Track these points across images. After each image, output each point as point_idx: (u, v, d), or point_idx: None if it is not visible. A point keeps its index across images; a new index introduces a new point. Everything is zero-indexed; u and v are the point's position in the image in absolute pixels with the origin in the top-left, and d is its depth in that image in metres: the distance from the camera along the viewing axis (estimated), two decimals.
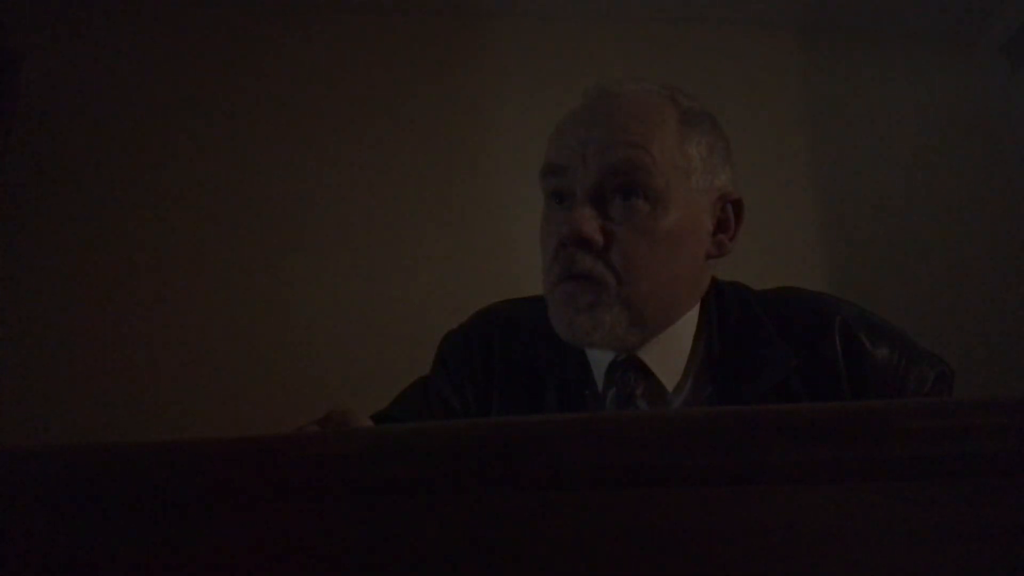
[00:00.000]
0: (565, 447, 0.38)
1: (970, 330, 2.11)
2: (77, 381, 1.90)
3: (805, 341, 0.79)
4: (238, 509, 0.39)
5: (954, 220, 2.30)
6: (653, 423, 0.39)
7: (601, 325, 0.77)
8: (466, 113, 2.26)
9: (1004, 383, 2.03)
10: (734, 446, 0.37)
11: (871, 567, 0.36)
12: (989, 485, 0.37)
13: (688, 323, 0.82)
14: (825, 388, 0.76)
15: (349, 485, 0.38)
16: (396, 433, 0.41)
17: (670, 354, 0.81)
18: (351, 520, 0.38)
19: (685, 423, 0.39)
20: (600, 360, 0.83)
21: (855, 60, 2.41)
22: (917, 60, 2.43)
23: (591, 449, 0.38)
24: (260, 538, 0.38)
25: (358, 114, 2.22)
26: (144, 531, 0.38)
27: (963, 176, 2.34)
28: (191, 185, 2.12)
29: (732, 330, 0.82)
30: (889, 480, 0.37)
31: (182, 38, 2.20)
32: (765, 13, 2.35)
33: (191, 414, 1.88)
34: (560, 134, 0.83)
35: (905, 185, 2.32)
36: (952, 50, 2.44)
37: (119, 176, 2.09)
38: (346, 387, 1.87)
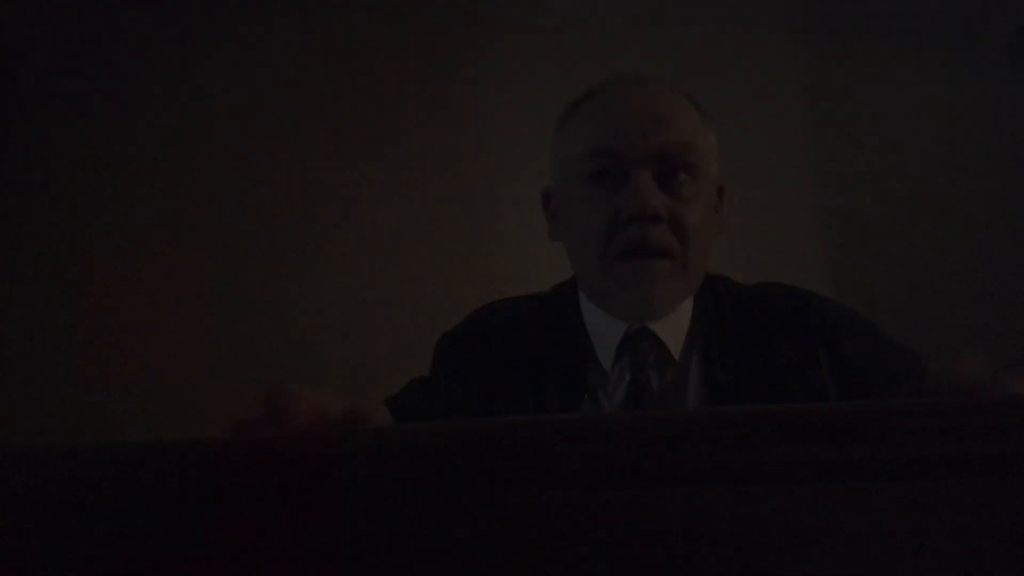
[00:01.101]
0: (565, 447, 0.38)
1: (970, 329, 2.11)
2: (77, 381, 1.90)
3: (784, 331, 0.84)
4: (238, 509, 0.39)
5: (954, 219, 2.30)
6: (653, 423, 0.39)
7: (672, 297, 0.82)
8: (466, 114, 2.26)
9: None
10: (734, 446, 0.37)
11: (871, 567, 0.36)
12: (989, 485, 0.37)
13: (689, 304, 0.87)
14: (805, 374, 0.81)
15: (349, 485, 0.38)
16: (396, 433, 0.41)
17: (674, 329, 0.85)
18: (351, 520, 0.38)
19: (685, 423, 0.39)
20: (608, 337, 0.85)
21: (855, 60, 2.41)
22: (917, 60, 2.43)
23: (591, 449, 0.38)
24: (260, 538, 0.38)
25: (358, 115, 2.22)
26: (144, 531, 0.38)
27: (963, 175, 2.34)
28: (191, 185, 2.11)
29: (723, 316, 0.87)
30: (889, 480, 0.37)
31: (182, 38, 2.20)
32: (765, 13, 2.35)
33: (191, 414, 1.88)
34: (603, 118, 0.85)
35: (905, 184, 2.32)
36: (952, 50, 2.44)
37: (119, 176, 2.09)
38: (347, 387, 1.86)
